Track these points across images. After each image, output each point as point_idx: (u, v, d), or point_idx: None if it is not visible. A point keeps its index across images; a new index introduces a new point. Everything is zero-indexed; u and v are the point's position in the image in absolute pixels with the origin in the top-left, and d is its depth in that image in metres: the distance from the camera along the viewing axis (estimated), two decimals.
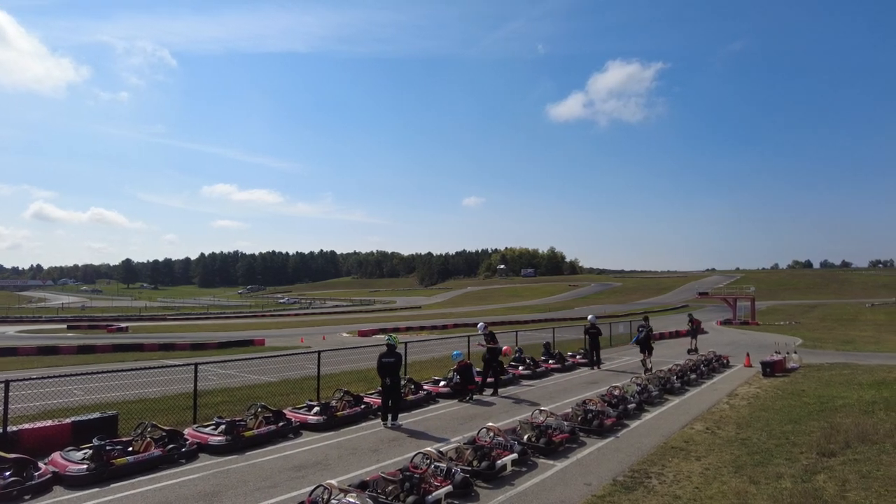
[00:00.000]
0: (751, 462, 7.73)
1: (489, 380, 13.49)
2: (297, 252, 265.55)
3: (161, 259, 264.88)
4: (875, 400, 11.53)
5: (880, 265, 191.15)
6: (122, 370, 10.72)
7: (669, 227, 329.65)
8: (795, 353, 18.23)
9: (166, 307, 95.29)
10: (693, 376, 14.96)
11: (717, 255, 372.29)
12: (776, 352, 17.68)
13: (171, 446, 7.89)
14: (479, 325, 14.41)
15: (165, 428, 8.24)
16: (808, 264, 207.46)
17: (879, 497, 6.16)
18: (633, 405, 11.09)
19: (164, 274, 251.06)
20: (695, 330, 23.97)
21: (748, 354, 19.06)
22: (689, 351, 21.89)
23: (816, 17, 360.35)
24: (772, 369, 15.80)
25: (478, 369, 13.71)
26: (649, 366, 16.82)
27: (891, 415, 10.11)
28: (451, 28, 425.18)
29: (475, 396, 12.77)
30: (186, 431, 8.75)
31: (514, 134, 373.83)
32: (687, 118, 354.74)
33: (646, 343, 17.31)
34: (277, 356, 13.78)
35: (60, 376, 10.51)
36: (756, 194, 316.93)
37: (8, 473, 6.52)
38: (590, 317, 19.32)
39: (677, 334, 31.36)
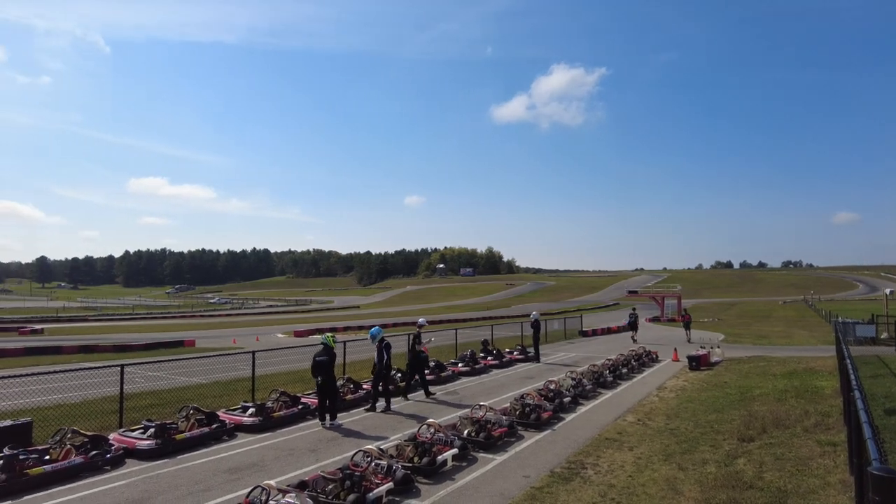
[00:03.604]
0: (679, 450, 8.14)
1: (414, 379, 13.09)
2: (228, 250, 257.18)
3: (81, 257, 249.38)
4: (787, 389, 12.42)
5: (791, 265, 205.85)
6: (37, 374, 9.98)
7: (601, 227, 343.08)
8: (718, 347, 19.32)
9: (87, 308, 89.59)
10: (624, 371, 15.55)
11: (646, 255, 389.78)
12: (701, 347, 18.68)
13: (94, 452, 7.42)
14: (419, 321, 14.25)
15: (88, 433, 7.75)
16: (729, 265, 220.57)
17: (791, 476, 6.64)
18: (568, 399, 11.41)
19: (84, 273, 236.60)
20: (634, 323, 26.98)
21: (676, 349, 20.03)
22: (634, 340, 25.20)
23: (736, 34, 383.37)
24: (697, 363, 16.67)
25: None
26: (636, 338, 25.23)
27: (800, 402, 10.91)
28: (391, 26, 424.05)
29: (409, 397, 12.49)
30: (112, 436, 8.26)
31: (458, 134, 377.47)
32: (623, 123, 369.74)
33: (634, 324, 26.64)
34: (209, 357, 13.25)
35: None
36: (682, 198, 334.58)
37: None
38: (533, 314, 20.78)
39: (608, 331, 32.64)
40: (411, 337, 13.15)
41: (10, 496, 6.35)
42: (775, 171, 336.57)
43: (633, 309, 29.49)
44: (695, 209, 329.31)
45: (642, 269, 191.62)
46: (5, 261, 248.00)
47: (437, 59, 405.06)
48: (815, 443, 7.91)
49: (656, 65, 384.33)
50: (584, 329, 31.28)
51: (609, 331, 32.70)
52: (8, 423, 8.20)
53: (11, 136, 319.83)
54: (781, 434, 8.60)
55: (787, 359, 18.15)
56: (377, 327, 11.91)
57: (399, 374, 13.48)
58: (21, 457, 6.83)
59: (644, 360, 17.91)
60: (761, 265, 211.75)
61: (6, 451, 6.87)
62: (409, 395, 12.66)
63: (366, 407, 11.43)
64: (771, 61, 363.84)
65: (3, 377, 9.76)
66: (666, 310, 46.61)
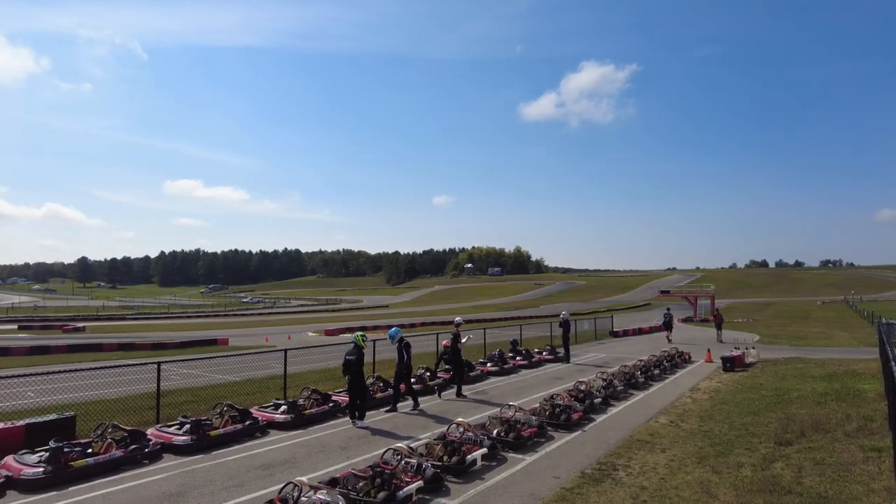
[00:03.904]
0: (713, 453, 7.97)
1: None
2: (260, 250, 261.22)
3: (119, 257, 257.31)
4: (827, 392, 12.04)
5: (830, 265, 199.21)
6: (79, 370, 10.34)
7: (632, 226, 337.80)
8: (754, 348, 18.84)
9: (125, 307, 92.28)
10: (656, 372, 15.29)
11: (678, 254, 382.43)
12: (735, 347, 18.27)
13: (133, 447, 7.67)
14: (456, 320, 14.27)
15: (127, 428, 8.00)
16: (765, 264, 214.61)
17: (832, 482, 6.44)
18: (598, 399, 11.28)
19: (122, 273, 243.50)
20: (669, 323, 27.40)
21: (709, 350, 19.62)
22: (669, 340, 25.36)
23: (773, 28, 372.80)
24: (732, 364, 16.30)
25: (424, 367, 13.63)
26: (671, 338, 25.43)
27: (841, 405, 10.57)
28: (417, 26, 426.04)
29: (442, 394, 12.67)
30: (149, 431, 8.52)
31: (487, 133, 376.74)
32: (654, 120, 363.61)
33: (669, 324, 27.15)
34: (242, 355, 13.51)
35: (11, 377, 10.09)
36: (716, 195, 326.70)
37: None
38: (563, 313, 20.48)
39: (639, 331, 32.13)
40: (451, 336, 13.19)
41: (55, 486, 6.60)
42: (813, 168, 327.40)
43: (668, 309, 30.02)
44: (728, 207, 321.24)
45: (675, 269, 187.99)
46: (49, 261, 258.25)
47: (465, 59, 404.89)
48: (858, 448, 7.66)
49: (688, 60, 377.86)
50: (614, 329, 30.87)
51: (640, 331, 32.18)
52: (53, 416, 8.54)
53: (55, 140, 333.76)
54: (821, 438, 8.35)
55: (826, 361, 17.60)
56: (396, 328, 11.79)
57: (428, 374, 13.54)
58: (66, 449, 7.10)
59: (676, 360, 17.59)
60: (798, 264, 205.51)
61: (52, 443, 7.16)
62: (441, 394, 12.73)
63: (386, 409, 11.31)
64: (809, 55, 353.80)
65: (49, 373, 10.15)
66: (699, 310, 45.67)
